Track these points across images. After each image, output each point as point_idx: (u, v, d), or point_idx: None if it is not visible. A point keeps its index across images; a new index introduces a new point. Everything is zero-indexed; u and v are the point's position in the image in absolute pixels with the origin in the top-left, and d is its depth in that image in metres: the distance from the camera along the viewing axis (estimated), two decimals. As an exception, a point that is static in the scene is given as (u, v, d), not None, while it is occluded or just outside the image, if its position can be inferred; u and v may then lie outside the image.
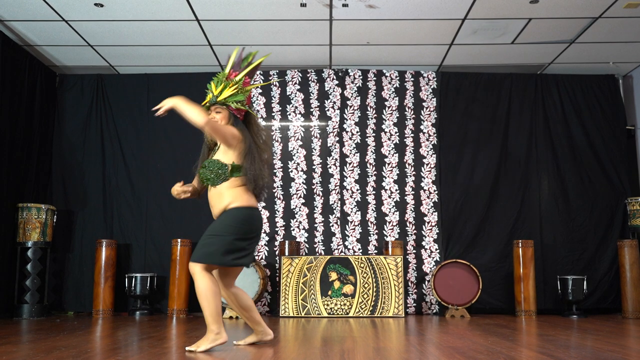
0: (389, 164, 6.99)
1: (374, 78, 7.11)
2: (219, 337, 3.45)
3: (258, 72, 7.12)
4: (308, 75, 7.10)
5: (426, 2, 5.51)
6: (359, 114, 7.06)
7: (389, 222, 6.89)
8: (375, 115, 7.06)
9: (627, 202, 6.74)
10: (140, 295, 6.47)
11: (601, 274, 6.82)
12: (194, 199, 7.22)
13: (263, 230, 6.87)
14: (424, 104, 7.09)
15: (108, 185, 7.06)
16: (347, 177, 6.96)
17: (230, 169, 3.52)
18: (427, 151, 7.02)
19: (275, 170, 6.97)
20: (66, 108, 7.17)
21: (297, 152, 7.00)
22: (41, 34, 6.18)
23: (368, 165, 6.98)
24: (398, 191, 6.94)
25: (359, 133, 7.03)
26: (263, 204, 6.91)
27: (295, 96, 7.08)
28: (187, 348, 3.45)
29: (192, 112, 3.40)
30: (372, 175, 6.97)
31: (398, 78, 7.11)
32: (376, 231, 6.87)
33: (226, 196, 3.53)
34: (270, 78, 7.10)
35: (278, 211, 6.90)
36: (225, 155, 3.55)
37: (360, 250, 6.82)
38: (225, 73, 3.70)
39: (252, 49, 6.47)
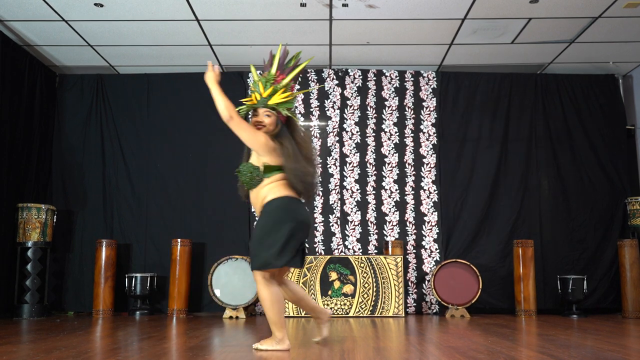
0: (389, 163, 6.99)
1: (374, 78, 7.11)
2: (282, 343, 3.46)
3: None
4: (308, 75, 7.10)
5: (426, 2, 5.51)
6: (359, 114, 7.05)
7: (389, 222, 6.89)
8: (375, 115, 7.06)
9: (627, 201, 6.74)
10: (140, 295, 6.47)
11: (601, 273, 6.82)
12: (198, 200, 7.20)
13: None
14: (423, 103, 7.09)
15: (108, 185, 7.05)
16: (347, 177, 6.96)
17: (262, 170, 3.45)
18: (427, 151, 7.02)
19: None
20: (66, 108, 7.16)
21: (297, 152, 6.99)
22: (41, 34, 6.18)
23: (368, 165, 6.98)
24: (398, 191, 6.94)
25: (358, 133, 7.03)
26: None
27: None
28: (253, 346, 3.53)
29: (220, 103, 3.40)
30: (372, 175, 6.97)
31: (398, 78, 7.11)
32: (376, 231, 6.87)
33: (265, 195, 3.46)
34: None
35: (278, 211, 6.89)
36: (257, 158, 3.49)
37: (360, 250, 6.82)
38: (272, 74, 3.59)
39: (252, 49, 6.52)
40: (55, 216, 6.49)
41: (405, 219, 6.90)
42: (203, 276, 6.74)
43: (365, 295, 6.28)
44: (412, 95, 7.10)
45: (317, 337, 3.86)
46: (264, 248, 3.34)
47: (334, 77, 7.09)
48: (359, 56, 6.80)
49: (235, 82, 7.05)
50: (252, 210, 6.89)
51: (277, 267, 3.37)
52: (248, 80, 7.08)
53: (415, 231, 6.88)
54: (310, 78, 7.10)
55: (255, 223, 3.50)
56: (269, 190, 3.44)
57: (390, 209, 6.92)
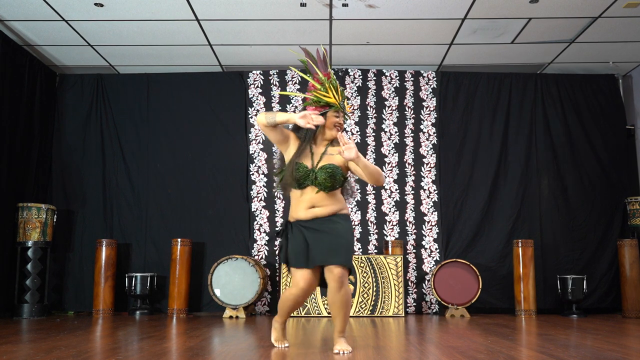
0: (388, 163, 6.99)
1: (374, 78, 7.11)
2: None
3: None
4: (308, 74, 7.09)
5: (426, 2, 5.51)
6: (359, 114, 7.06)
7: (389, 222, 6.89)
8: (375, 114, 7.06)
9: (627, 201, 6.75)
10: (140, 295, 6.47)
11: (601, 273, 6.82)
12: (198, 200, 7.15)
13: (263, 230, 6.88)
14: (423, 103, 7.09)
15: (108, 185, 7.06)
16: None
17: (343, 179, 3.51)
18: (427, 151, 7.02)
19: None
20: (66, 108, 7.16)
21: (297, 152, 6.99)
22: (41, 34, 6.18)
23: (368, 165, 6.97)
24: (398, 191, 6.95)
25: (358, 133, 7.03)
26: (263, 203, 6.92)
27: (295, 96, 7.08)
28: (342, 353, 3.30)
29: (377, 173, 3.38)
30: (372, 175, 6.96)
31: (398, 78, 7.11)
32: (376, 231, 6.88)
33: (337, 200, 3.45)
34: (270, 78, 7.10)
35: (278, 211, 6.90)
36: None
37: (360, 250, 6.83)
38: (334, 79, 3.67)
39: (252, 49, 6.52)
40: (55, 216, 6.50)
41: (405, 218, 6.90)
42: (203, 276, 6.75)
43: (365, 295, 6.29)
44: (412, 95, 7.10)
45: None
46: (350, 250, 3.43)
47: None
48: (358, 56, 6.80)
49: (235, 82, 7.06)
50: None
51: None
52: (248, 80, 7.08)
53: (415, 231, 6.88)
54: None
55: (339, 226, 3.40)
56: (341, 201, 3.48)
57: (390, 208, 6.92)
